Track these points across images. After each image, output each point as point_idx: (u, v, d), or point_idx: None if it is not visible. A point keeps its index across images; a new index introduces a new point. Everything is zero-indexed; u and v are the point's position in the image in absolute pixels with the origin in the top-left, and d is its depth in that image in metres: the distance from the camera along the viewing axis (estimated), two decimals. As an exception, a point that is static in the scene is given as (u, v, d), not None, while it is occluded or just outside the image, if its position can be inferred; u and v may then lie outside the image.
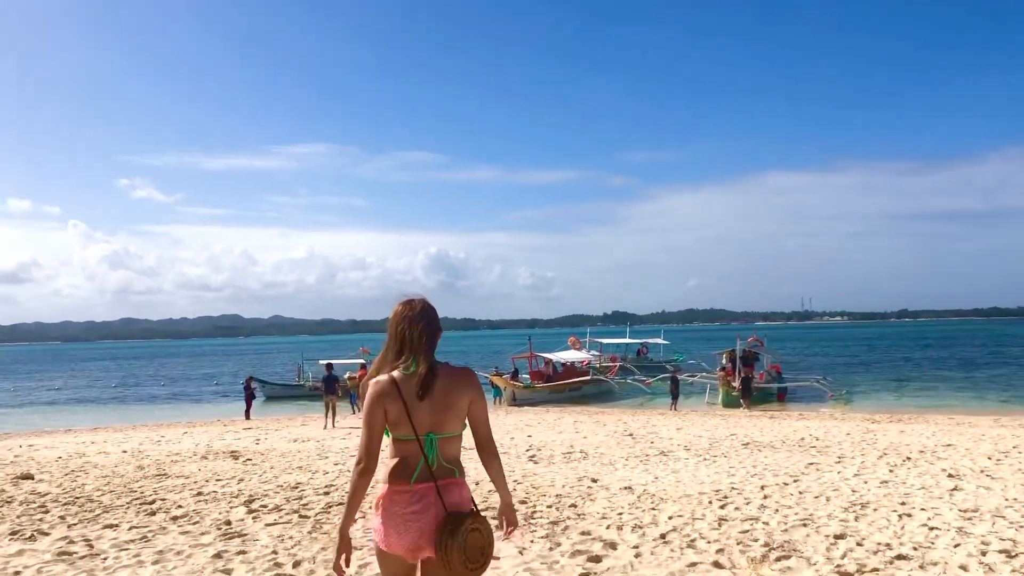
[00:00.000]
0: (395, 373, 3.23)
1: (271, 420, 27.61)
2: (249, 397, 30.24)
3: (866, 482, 9.91)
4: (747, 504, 8.48)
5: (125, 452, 15.38)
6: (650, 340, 58.95)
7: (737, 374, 35.17)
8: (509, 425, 20.83)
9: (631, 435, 16.95)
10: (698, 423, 20.85)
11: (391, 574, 3.29)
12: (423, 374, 3.22)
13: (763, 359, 40.26)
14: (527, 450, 14.09)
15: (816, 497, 8.83)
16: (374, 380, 3.24)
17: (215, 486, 10.30)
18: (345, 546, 3.28)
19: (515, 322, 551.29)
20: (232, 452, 14.69)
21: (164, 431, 22.16)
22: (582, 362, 40.75)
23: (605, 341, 53.60)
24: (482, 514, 3.32)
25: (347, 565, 3.30)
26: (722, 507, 8.32)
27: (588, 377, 39.07)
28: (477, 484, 9.02)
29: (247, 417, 29.09)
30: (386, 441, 3.26)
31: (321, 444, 16.29)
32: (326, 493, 9.52)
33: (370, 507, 3.70)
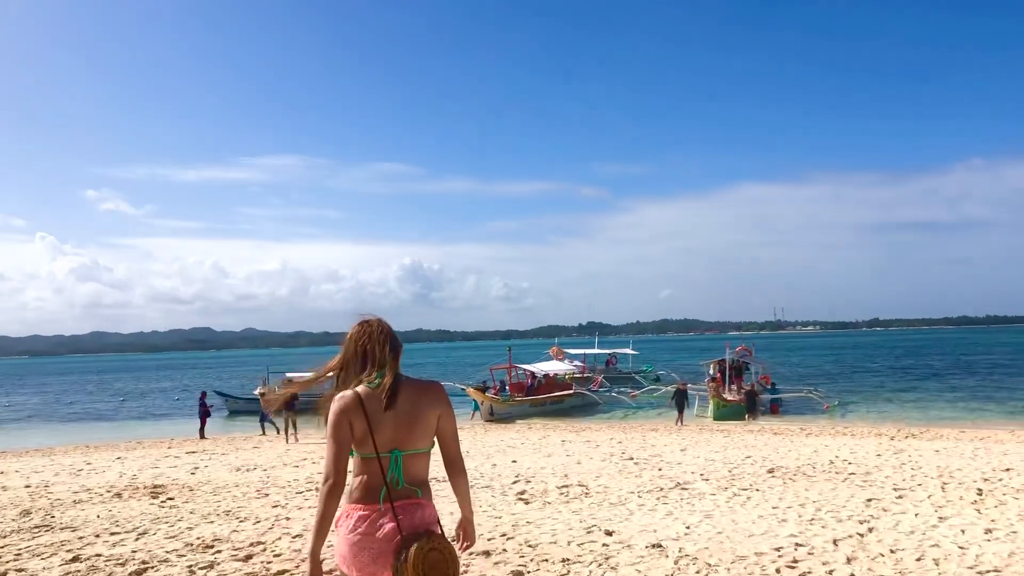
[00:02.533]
0: (359, 388, 3.07)
1: (225, 440, 24.98)
2: (203, 414, 27.51)
3: (964, 531, 7.56)
4: (831, 574, 6.10)
5: (28, 487, 12.75)
6: (619, 350, 57.55)
7: (727, 384, 33.39)
8: (489, 445, 18.37)
9: (632, 459, 14.59)
10: (701, 442, 18.54)
11: None
12: (388, 385, 3.07)
13: (751, 369, 38.58)
14: (514, 482, 11.65)
15: (918, 560, 6.45)
16: (339, 395, 3.06)
17: (104, 545, 7.74)
18: (316, 571, 3.08)
19: (490, 333, 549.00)
20: (155, 488, 12.12)
21: (98, 455, 19.49)
22: (567, 373, 38.53)
23: (573, 351, 51.72)
24: (444, 536, 3.06)
25: None
26: (797, 579, 5.95)
27: (571, 391, 36.89)
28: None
29: (201, 436, 26.49)
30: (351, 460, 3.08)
31: (267, 475, 13.74)
32: (247, 559, 6.98)
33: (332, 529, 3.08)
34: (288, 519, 8.88)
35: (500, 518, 8.69)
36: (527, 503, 9.75)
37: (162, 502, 10.55)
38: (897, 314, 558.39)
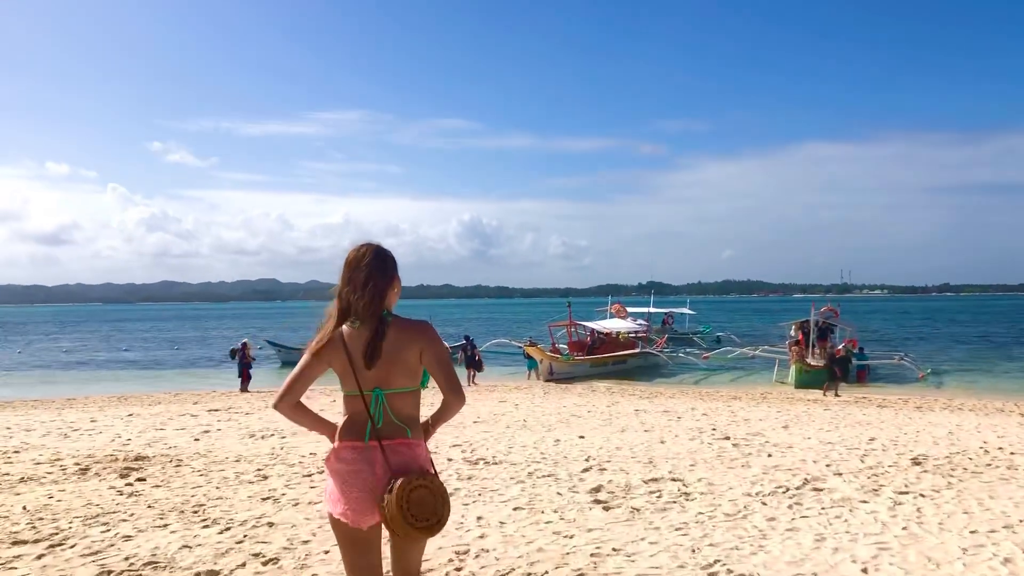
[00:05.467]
0: (344, 326, 3.07)
1: (265, 396, 22.89)
2: (245, 367, 25.45)
3: None
4: None
5: (-5, 452, 10.55)
6: (675, 310, 55.07)
7: (811, 348, 30.27)
8: (550, 413, 15.73)
9: (728, 438, 11.79)
10: (801, 416, 15.60)
11: (346, 545, 3.06)
12: (370, 334, 3.02)
13: (838, 332, 35.24)
14: (585, 469, 8.95)
15: None
16: (322, 331, 3.10)
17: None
18: (326, 428, 3.20)
19: (549, 291, 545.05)
20: (136, 460, 9.77)
21: (111, 409, 17.46)
22: (631, 332, 35.67)
23: (629, 310, 49.10)
24: (437, 475, 3.03)
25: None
26: None
27: (636, 350, 34.09)
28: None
29: (243, 390, 24.60)
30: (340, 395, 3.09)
31: (282, 445, 11.32)
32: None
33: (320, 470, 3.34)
34: (270, 525, 6.34)
35: (571, 537, 6.00)
36: (607, 508, 7.04)
37: (128, 483, 8.14)
38: (969, 279, 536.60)
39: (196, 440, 12.00)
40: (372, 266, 3.09)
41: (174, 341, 63.78)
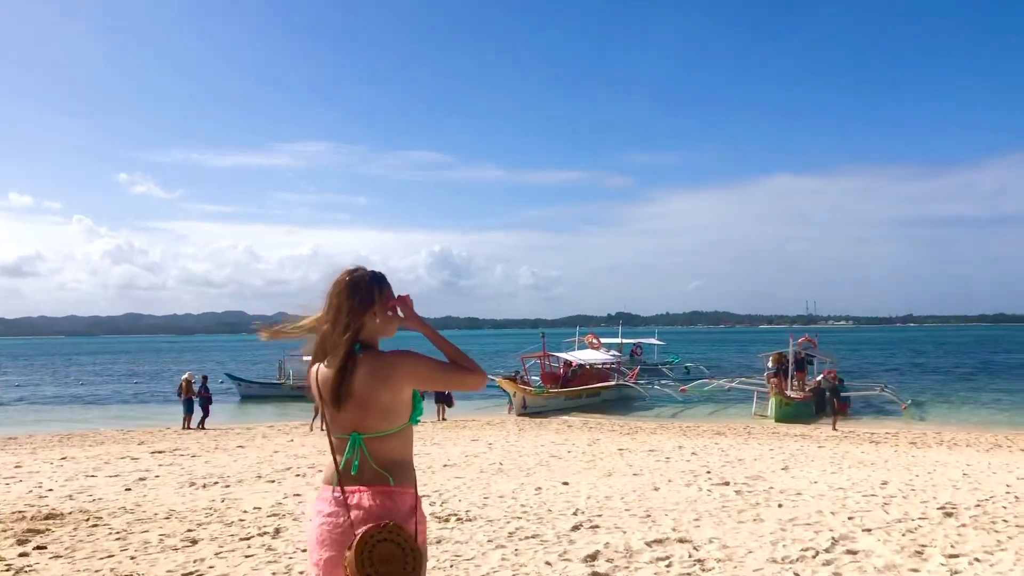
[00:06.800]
0: (321, 366, 2.76)
1: (220, 433, 21.38)
2: (205, 401, 23.93)
3: None
4: None
5: None
6: (644, 340, 54.36)
7: (789, 379, 29.56)
8: (527, 454, 14.42)
9: (728, 483, 10.57)
10: (797, 455, 14.47)
11: None
12: (335, 375, 2.66)
13: (816, 363, 34.64)
14: (573, 528, 7.63)
15: None
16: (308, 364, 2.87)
17: None
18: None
19: (519, 322, 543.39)
20: (45, 519, 8.29)
21: (44, 452, 15.86)
22: (604, 364, 34.54)
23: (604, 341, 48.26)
24: (404, 527, 2.58)
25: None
26: None
27: (611, 382, 33.01)
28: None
29: (194, 427, 23.25)
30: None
31: (224, 496, 9.88)
32: None
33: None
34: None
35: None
36: (608, 583, 5.76)
37: (23, 553, 6.69)
38: (932, 310, 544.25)
39: (127, 490, 10.53)
40: (344, 291, 2.75)
41: (133, 375, 61.55)
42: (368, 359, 2.68)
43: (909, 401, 29.83)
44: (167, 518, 8.37)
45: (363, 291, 2.75)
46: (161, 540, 7.23)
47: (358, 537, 2.51)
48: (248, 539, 7.24)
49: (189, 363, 74.42)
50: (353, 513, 2.60)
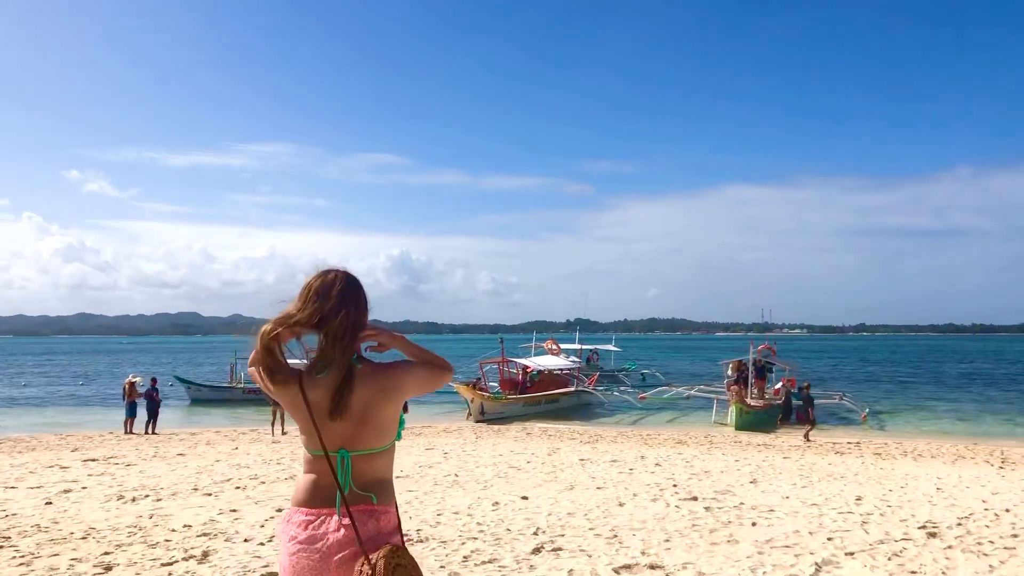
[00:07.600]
0: (304, 375, 2.47)
1: (165, 437, 20.42)
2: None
3: None
4: None
5: None
6: (600, 347, 54.35)
7: (748, 387, 29.29)
8: (484, 464, 13.74)
9: (695, 498, 10.00)
10: (763, 467, 13.98)
11: None
12: (337, 383, 2.42)
13: (775, 371, 34.44)
14: (534, 550, 6.95)
15: None
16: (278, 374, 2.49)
17: None
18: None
19: (478, 327, 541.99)
20: (-56, 540, 7.41)
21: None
22: (563, 370, 34.02)
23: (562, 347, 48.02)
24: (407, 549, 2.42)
25: None
26: None
27: (571, 388, 32.51)
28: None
29: (138, 431, 22.32)
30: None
31: (154, 511, 9.04)
32: None
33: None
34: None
35: None
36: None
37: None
38: (883, 320, 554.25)
39: (47, 504, 9.63)
40: (346, 295, 2.52)
41: (79, 376, 59.58)
42: (367, 372, 2.48)
43: (867, 410, 29.76)
44: (83, 538, 7.54)
45: (363, 296, 2.56)
46: (71, 566, 6.42)
47: (384, 559, 2.30)
48: (171, 564, 6.46)
49: (139, 365, 72.44)
50: (340, 534, 2.38)
